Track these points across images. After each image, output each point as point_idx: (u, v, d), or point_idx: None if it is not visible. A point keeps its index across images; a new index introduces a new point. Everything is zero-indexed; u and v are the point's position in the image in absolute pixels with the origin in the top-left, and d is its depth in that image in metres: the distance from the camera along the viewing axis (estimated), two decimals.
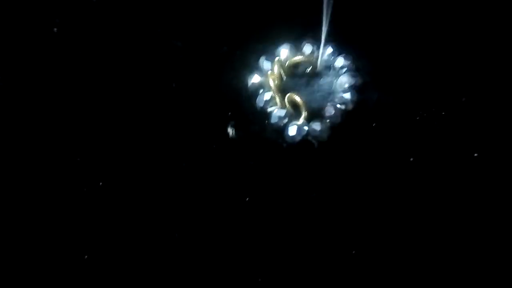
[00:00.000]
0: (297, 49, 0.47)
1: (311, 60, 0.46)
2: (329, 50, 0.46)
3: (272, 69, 0.46)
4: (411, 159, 0.43)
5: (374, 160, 0.44)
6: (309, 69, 0.47)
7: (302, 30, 0.48)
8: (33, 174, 0.46)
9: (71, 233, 0.45)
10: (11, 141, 0.47)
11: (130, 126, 0.48)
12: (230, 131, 0.47)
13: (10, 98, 0.48)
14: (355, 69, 0.46)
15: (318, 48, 0.46)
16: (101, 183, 0.47)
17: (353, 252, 0.43)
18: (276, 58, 0.45)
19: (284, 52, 0.46)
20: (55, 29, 0.50)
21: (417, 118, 0.44)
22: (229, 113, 0.48)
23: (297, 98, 0.44)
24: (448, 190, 0.42)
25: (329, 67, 0.46)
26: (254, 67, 0.48)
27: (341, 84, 0.45)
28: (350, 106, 0.45)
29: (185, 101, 0.49)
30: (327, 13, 0.44)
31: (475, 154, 0.42)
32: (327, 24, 0.44)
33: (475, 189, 0.42)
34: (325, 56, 0.46)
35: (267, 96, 0.46)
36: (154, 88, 0.49)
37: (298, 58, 0.45)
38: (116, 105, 0.49)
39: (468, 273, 0.42)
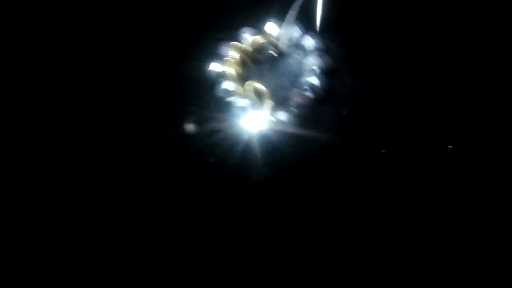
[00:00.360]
0: (259, 32, 0.43)
1: (276, 42, 0.41)
2: (296, 30, 0.42)
3: (232, 56, 0.42)
4: (383, 151, 0.38)
5: (345, 151, 0.39)
6: (274, 52, 0.42)
7: (264, 14, 0.44)
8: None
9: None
10: None
11: (90, 122, 0.45)
12: (191, 127, 0.43)
13: None
14: (326, 52, 0.41)
15: (283, 28, 0.42)
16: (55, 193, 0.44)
17: (323, 244, 0.38)
18: (233, 43, 0.41)
19: (245, 36, 0.42)
20: (8, 31, 0.48)
21: (390, 107, 0.39)
22: (191, 108, 0.44)
23: (259, 86, 0.40)
24: (420, 181, 0.38)
25: (296, 50, 0.42)
26: (215, 56, 0.44)
27: (309, 66, 0.40)
28: (318, 92, 0.40)
29: (146, 97, 0.45)
30: None
31: (449, 146, 0.38)
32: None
33: (447, 177, 0.38)
34: (291, 37, 0.42)
35: (227, 85, 0.41)
36: (115, 84, 0.46)
37: (259, 38, 0.41)
38: (78, 100, 0.46)
39: (459, 274, 0.37)
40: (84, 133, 0.45)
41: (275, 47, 0.42)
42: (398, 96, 0.40)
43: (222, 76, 0.43)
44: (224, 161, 0.42)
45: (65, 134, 0.45)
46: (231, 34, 0.44)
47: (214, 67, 0.43)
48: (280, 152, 0.40)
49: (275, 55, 0.42)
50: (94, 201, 0.43)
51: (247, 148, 0.41)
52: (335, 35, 0.43)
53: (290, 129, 0.40)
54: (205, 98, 0.44)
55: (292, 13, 0.41)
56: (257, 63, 0.43)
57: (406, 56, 0.42)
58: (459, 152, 0.39)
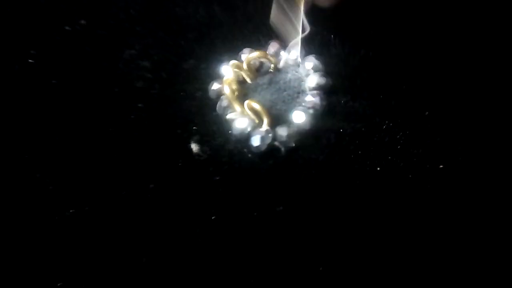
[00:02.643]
0: (260, 51, 0.43)
1: (272, 58, 0.42)
2: (295, 51, 0.42)
3: (230, 75, 0.43)
4: (378, 169, 0.38)
5: (342, 168, 0.39)
6: (271, 68, 0.43)
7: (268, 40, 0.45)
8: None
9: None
10: None
11: (97, 141, 0.47)
12: (194, 146, 0.44)
13: None
14: (325, 71, 0.42)
15: (283, 50, 0.43)
16: (71, 211, 0.45)
17: (320, 259, 0.37)
18: (231, 62, 0.42)
19: (244, 55, 0.43)
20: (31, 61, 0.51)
21: (384, 127, 0.39)
22: (194, 128, 0.45)
23: (256, 106, 0.40)
24: (412, 194, 0.37)
25: (295, 67, 0.42)
26: (216, 76, 0.45)
27: (310, 84, 0.41)
28: (319, 110, 0.40)
29: (152, 117, 0.47)
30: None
31: (440, 166, 0.38)
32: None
33: (437, 190, 0.37)
34: (292, 56, 0.42)
35: (225, 102, 0.42)
36: (121, 103, 0.48)
37: (256, 55, 0.41)
38: (85, 120, 0.48)
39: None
40: (91, 147, 0.47)
41: (274, 65, 0.42)
42: (393, 113, 0.40)
43: (222, 94, 0.43)
44: (226, 177, 0.42)
45: (77, 157, 0.47)
46: (232, 55, 0.45)
47: (215, 86, 0.44)
48: (279, 167, 0.40)
49: (274, 73, 0.42)
50: (100, 225, 0.45)
51: (247, 164, 0.42)
52: (332, 54, 0.43)
53: (289, 146, 0.40)
54: (206, 116, 0.45)
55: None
56: (256, 81, 0.43)
57: (400, 74, 0.42)
58: (452, 172, 0.39)
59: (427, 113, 0.40)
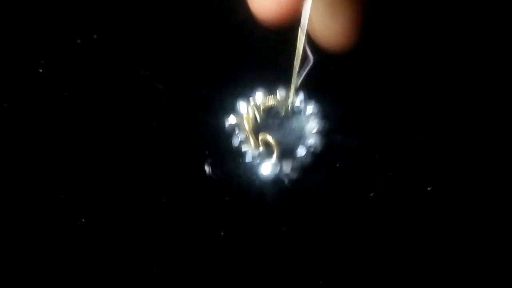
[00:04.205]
0: (270, 93, 0.51)
1: (284, 104, 0.50)
2: (301, 96, 0.51)
3: (247, 112, 0.50)
4: (371, 194, 0.48)
5: (339, 195, 0.48)
6: (282, 112, 0.51)
7: (276, 77, 0.52)
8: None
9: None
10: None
11: (113, 164, 0.51)
12: (208, 168, 0.50)
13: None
14: (323, 115, 0.51)
15: (290, 93, 0.51)
16: (83, 220, 0.49)
17: (320, 282, 0.47)
18: (251, 103, 0.49)
19: (259, 96, 0.51)
20: (40, 70, 0.53)
21: (376, 157, 0.49)
22: (207, 152, 0.51)
23: (270, 139, 0.48)
24: (405, 222, 0.47)
25: (300, 112, 0.51)
26: (231, 109, 0.51)
27: (310, 128, 0.49)
28: (318, 149, 0.49)
29: (165, 140, 0.52)
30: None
31: (428, 188, 0.48)
32: (298, 73, 0.49)
33: (431, 223, 0.47)
34: (297, 102, 0.51)
35: (242, 136, 0.49)
36: (136, 127, 0.52)
37: (272, 102, 0.49)
38: (99, 143, 0.51)
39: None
40: (103, 164, 0.50)
41: (283, 107, 0.50)
42: (383, 145, 0.50)
43: (237, 127, 0.50)
44: (237, 201, 0.49)
45: (88, 174, 0.50)
46: (245, 90, 0.52)
47: (231, 119, 0.50)
48: (285, 195, 0.49)
49: (283, 114, 0.51)
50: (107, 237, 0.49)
51: (257, 191, 0.49)
52: (330, 101, 0.52)
53: (294, 176, 0.49)
54: (219, 144, 0.51)
55: (297, 80, 0.49)
56: (267, 120, 0.51)
57: (387, 117, 0.51)
58: (440, 195, 0.48)
59: (418, 136, 0.49)
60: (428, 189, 0.48)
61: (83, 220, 0.49)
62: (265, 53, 0.52)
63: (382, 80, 0.52)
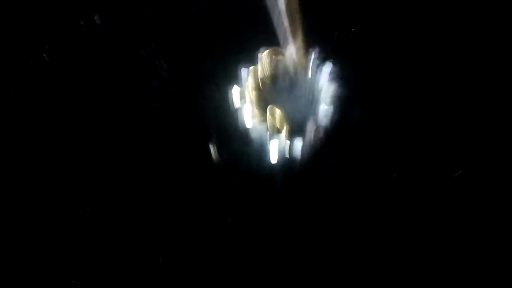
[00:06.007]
0: (278, 53, 0.44)
1: (294, 63, 0.43)
2: (313, 55, 0.43)
3: (252, 80, 0.44)
4: (394, 175, 0.40)
5: (356, 177, 0.41)
6: (292, 73, 0.44)
7: (283, 40, 0.46)
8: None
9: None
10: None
11: (116, 144, 0.48)
12: (213, 148, 0.45)
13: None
14: (340, 80, 0.43)
15: (300, 51, 0.43)
16: (88, 208, 0.47)
17: (327, 267, 0.40)
18: (251, 67, 0.43)
19: (264, 57, 0.44)
20: (45, 54, 0.51)
21: (399, 134, 0.41)
22: (212, 130, 0.46)
23: (278, 112, 0.42)
24: (429, 205, 0.39)
25: (311, 73, 0.43)
26: (235, 79, 0.46)
27: (325, 92, 0.42)
28: (333, 119, 0.41)
29: (169, 117, 0.48)
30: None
31: (458, 173, 0.40)
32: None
33: (456, 205, 0.39)
34: (310, 61, 0.43)
35: (247, 110, 0.43)
36: (138, 105, 0.49)
37: (278, 58, 0.42)
38: (103, 124, 0.49)
39: None
40: (105, 146, 0.48)
41: (293, 70, 0.43)
42: (406, 124, 0.42)
43: (242, 100, 0.44)
44: (244, 180, 0.43)
45: (91, 155, 0.48)
46: (250, 55, 0.46)
47: (235, 91, 0.44)
48: (297, 177, 0.42)
49: (292, 79, 0.43)
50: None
51: (266, 170, 0.43)
52: (348, 63, 0.44)
53: (305, 154, 0.42)
54: (225, 119, 0.46)
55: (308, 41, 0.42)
56: (275, 86, 0.44)
57: (415, 84, 0.43)
58: (466, 178, 0.40)
59: (445, 117, 0.42)
60: (456, 174, 0.39)
61: (87, 208, 0.46)
62: (267, 14, 0.45)
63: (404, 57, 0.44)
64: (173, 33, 0.48)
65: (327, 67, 0.41)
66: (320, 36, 0.42)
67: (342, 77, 0.41)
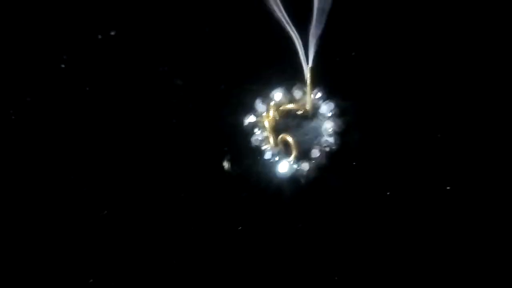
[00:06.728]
0: (288, 92, 0.52)
1: (301, 105, 0.51)
2: (318, 95, 0.52)
3: (267, 112, 0.51)
4: (388, 193, 0.49)
5: (355, 195, 0.49)
6: (300, 112, 0.52)
7: (292, 73, 0.53)
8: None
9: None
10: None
11: (132, 159, 0.52)
12: (226, 164, 0.52)
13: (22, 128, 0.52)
14: (339, 114, 0.52)
15: (307, 93, 0.51)
16: (105, 211, 0.51)
17: (336, 278, 0.49)
18: (271, 103, 0.50)
19: (277, 95, 0.51)
20: (63, 65, 0.53)
21: (393, 157, 0.50)
22: (226, 148, 0.52)
23: (289, 139, 0.50)
24: (423, 222, 0.47)
25: (316, 112, 0.52)
26: (250, 108, 0.52)
27: (326, 129, 0.51)
28: (334, 148, 0.51)
29: (184, 136, 0.53)
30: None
31: (447, 188, 0.48)
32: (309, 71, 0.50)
33: (451, 222, 0.47)
34: (314, 100, 0.52)
35: (261, 135, 0.51)
36: (156, 123, 0.53)
37: (291, 105, 0.50)
38: (119, 139, 0.52)
39: None
40: (122, 169, 0.52)
41: (302, 108, 0.51)
42: (396, 148, 0.50)
43: (256, 126, 0.51)
44: (254, 198, 0.51)
45: (109, 166, 0.52)
46: (265, 90, 0.52)
47: (249, 118, 0.51)
48: (302, 193, 0.50)
49: (301, 114, 0.52)
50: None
51: (274, 189, 0.51)
52: (347, 103, 0.53)
53: (311, 175, 0.50)
54: (239, 143, 0.52)
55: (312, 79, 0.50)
56: (286, 119, 0.52)
57: (414, 114, 0.51)
58: (458, 195, 0.47)
59: (437, 140, 0.49)
60: (447, 188, 0.48)
61: (105, 212, 0.51)
62: (283, 51, 0.53)
63: (399, 79, 0.52)
64: (192, 54, 0.52)
65: (329, 107, 0.50)
66: (323, 75, 0.50)
67: (342, 111, 0.49)
